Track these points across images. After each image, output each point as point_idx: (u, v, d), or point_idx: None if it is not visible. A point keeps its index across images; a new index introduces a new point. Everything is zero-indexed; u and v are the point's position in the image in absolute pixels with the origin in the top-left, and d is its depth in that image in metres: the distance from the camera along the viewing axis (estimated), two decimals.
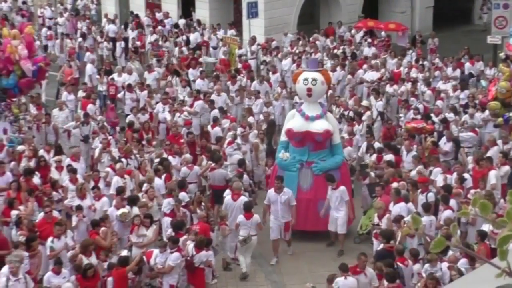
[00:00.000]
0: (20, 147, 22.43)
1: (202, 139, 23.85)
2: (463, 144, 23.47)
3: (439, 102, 26.84)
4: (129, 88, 28.08)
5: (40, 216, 18.23)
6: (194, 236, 17.16)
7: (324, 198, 19.38)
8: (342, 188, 19.10)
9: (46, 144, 23.18)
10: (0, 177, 20.17)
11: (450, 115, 25.60)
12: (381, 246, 16.92)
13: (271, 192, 19.16)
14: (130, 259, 17.03)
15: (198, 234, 17.31)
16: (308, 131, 19.73)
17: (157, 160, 21.53)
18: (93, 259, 16.55)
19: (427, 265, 15.72)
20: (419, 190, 19.23)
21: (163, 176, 20.41)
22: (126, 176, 20.27)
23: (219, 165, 21.07)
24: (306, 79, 19.88)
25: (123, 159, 21.33)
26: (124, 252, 16.99)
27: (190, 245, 17.05)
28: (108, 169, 20.99)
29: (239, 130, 23.83)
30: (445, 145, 22.80)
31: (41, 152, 22.24)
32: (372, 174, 20.93)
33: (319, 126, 19.68)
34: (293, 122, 20.06)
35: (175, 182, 20.19)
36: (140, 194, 19.49)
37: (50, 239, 16.92)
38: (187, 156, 21.87)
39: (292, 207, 18.97)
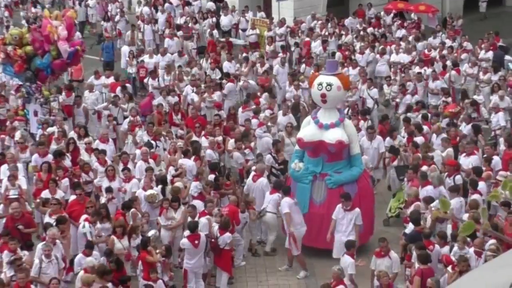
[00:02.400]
0: (50, 129, 22.62)
1: (230, 121, 23.86)
2: (494, 126, 23.34)
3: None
4: (153, 74, 28.09)
5: (72, 197, 18.41)
6: (220, 218, 17.21)
7: None
8: (357, 210, 17.29)
9: (76, 126, 23.34)
10: (41, 157, 20.37)
11: (479, 97, 25.44)
12: (412, 228, 16.89)
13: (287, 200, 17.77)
14: (159, 241, 17.20)
15: (225, 215, 17.41)
16: (321, 141, 18.09)
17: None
18: (125, 242, 16.70)
19: (455, 248, 15.68)
20: (446, 174, 19.14)
21: (192, 158, 20.49)
22: (150, 160, 20.31)
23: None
24: (320, 84, 18.14)
25: (152, 142, 21.44)
26: (152, 232, 17.03)
27: (215, 227, 17.11)
28: (137, 151, 21.10)
29: (267, 112, 23.83)
30: (464, 128, 22.67)
31: (71, 134, 22.41)
32: (403, 153, 20.78)
33: (332, 136, 17.93)
34: (306, 130, 18.58)
35: (205, 165, 20.30)
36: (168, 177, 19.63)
37: (86, 224, 17.04)
38: (216, 138, 21.95)
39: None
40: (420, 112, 23.84)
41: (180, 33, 34.43)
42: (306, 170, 18.39)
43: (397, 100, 25.88)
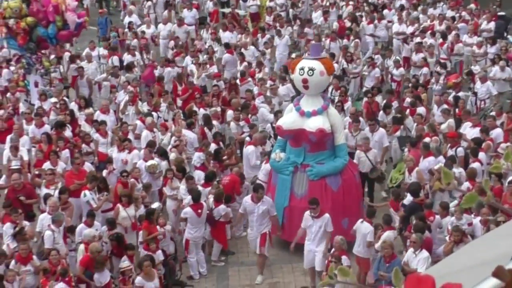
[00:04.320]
0: (52, 100, 22.64)
1: (231, 92, 23.83)
2: (482, 96, 23.54)
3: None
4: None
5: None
6: (215, 190, 17.26)
7: (321, 207, 16.07)
8: (326, 216, 15.66)
9: (78, 97, 23.35)
10: (38, 129, 20.41)
11: (475, 68, 25.49)
12: (411, 199, 16.94)
13: (247, 200, 16.66)
14: (164, 212, 17.31)
15: (224, 186, 17.47)
16: (302, 129, 16.86)
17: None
18: (131, 211, 16.75)
19: (452, 218, 15.77)
20: (449, 145, 19.17)
21: (195, 130, 20.54)
22: (155, 129, 20.39)
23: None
24: (302, 69, 16.87)
25: (153, 113, 21.46)
26: (156, 204, 17.11)
27: (211, 199, 17.17)
28: (137, 121, 21.13)
29: (269, 84, 23.79)
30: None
31: (72, 105, 22.43)
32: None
33: (312, 124, 16.66)
34: (286, 117, 17.42)
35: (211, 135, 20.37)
36: (168, 148, 19.69)
37: (86, 192, 17.06)
38: (215, 109, 21.97)
39: (274, 218, 16.70)
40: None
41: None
42: (287, 161, 17.29)
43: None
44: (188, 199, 16.98)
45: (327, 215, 15.67)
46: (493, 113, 21.26)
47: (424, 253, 14.45)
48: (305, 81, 16.84)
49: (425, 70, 25.65)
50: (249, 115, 21.49)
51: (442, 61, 26.31)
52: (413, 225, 15.37)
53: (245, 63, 26.25)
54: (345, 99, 22.56)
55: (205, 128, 20.79)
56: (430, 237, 15.40)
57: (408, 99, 22.62)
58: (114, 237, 15.94)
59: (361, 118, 20.85)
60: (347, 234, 15.91)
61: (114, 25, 31.70)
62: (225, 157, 19.32)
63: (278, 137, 18.13)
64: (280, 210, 17.07)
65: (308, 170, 17.00)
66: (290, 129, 16.93)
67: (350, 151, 19.09)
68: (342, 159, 17.26)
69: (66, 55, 26.77)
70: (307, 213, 15.75)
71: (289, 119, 17.09)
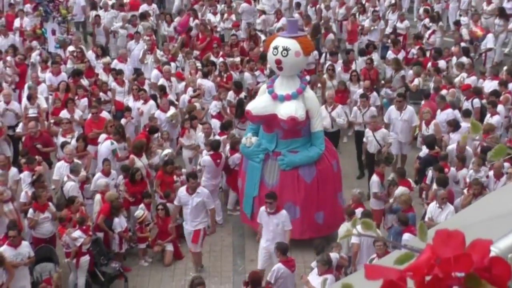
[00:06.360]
0: (68, 48, 22.61)
1: (250, 42, 23.71)
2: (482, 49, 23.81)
3: None
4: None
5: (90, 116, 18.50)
6: (231, 138, 17.23)
7: (293, 199, 15.41)
8: (283, 213, 14.25)
9: (95, 46, 23.30)
10: (55, 76, 20.39)
11: (463, 19, 25.62)
12: (426, 151, 16.88)
13: (182, 191, 15.07)
14: (180, 160, 17.38)
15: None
16: (274, 114, 15.29)
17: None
18: (144, 160, 16.80)
19: (471, 171, 15.69)
20: (464, 97, 19.04)
21: (211, 78, 20.51)
22: (172, 78, 20.36)
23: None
24: (276, 48, 15.21)
25: (171, 63, 21.40)
26: (166, 151, 17.09)
27: (227, 147, 17.12)
28: (154, 71, 21.09)
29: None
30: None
31: (89, 53, 22.41)
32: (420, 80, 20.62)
33: (284, 111, 15.08)
34: (257, 101, 15.90)
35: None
36: (182, 97, 19.69)
37: (110, 142, 16.99)
38: (233, 59, 21.90)
39: (211, 211, 15.32)
40: None
41: None
42: (257, 147, 15.79)
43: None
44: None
45: (284, 212, 14.27)
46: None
47: (450, 207, 14.33)
48: (278, 62, 15.21)
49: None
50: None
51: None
52: (436, 179, 15.21)
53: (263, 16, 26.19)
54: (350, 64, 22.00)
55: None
56: (452, 190, 15.32)
57: (413, 50, 22.63)
58: (134, 171, 15.95)
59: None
60: (321, 229, 15.24)
61: None
62: None
63: None
64: (249, 199, 15.95)
65: (279, 159, 15.52)
66: (260, 115, 15.45)
67: (358, 130, 18.71)
68: (318, 148, 15.65)
69: None
70: (263, 208, 14.37)
71: (260, 104, 15.58)
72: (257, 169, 15.70)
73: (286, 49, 15.06)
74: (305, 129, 15.55)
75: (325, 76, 21.03)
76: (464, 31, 24.52)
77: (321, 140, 15.73)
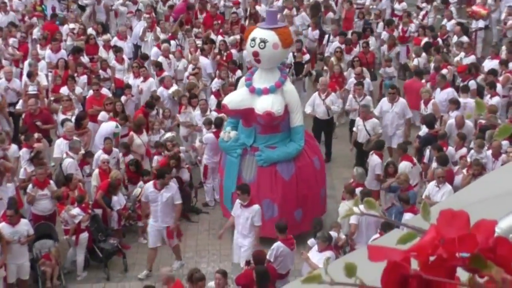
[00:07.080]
0: (71, 25, 22.57)
1: (250, 20, 23.65)
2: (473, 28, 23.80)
3: None
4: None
5: (90, 93, 18.45)
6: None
7: (271, 196, 14.95)
8: (255, 208, 13.76)
9: (95, 23, 23.25)
10: (54, 53, 20.32)
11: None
12: (426, 131, 16.87)
13: (149, 187, 14.39)
14: (177, 138, 17.33)
15: None
16: (250, 109, 14.83)
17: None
18: (144, 138, 16.78)
19: (472, 151, 15.66)
20: (460, 79, 19.02)
21: (209, 56, 20.42)
22: (171, 56, 20.31)
23: None
24: (253, 40, 14.70)
25: (171, 41, 21.34)
26: (168, 134, 17.07)
27: None
28: (154, 48, 21.04)
29: (286, 11, 23.60)
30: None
31: (90, 30, 22.35)
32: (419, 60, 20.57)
33: (260, 105, 14.61)
34: (234, 95, 15.43)
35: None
36: (185, 74, 19.63)
37: (115, 124, 16.93)
38: (234, 37, 21.83)
39: (177, 207, 14.46)
40: None
41: None
42: (235, 141, 15.31)
43: None
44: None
45: (256, 206, 13.81)
46: None
47: (448, 186, 14.30)
48: (255, 54, 14.70)
49: None
50: None
51: None
52: (436, 158, 15.22)
53: None
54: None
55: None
56: (451, 169, 15.31)
57: (410, 28, 22.91)
58: (133, 162, 16.00)
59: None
60: (298, 227, 14.75)
61: None
62: None
63: None
64: (228, 194, 15.49)
65: (257, 155, 15.01)
66: (237, 109, 14.98)
67: (353, 118, 18.29)
68: (297, 144, 15.10)
69: None
70: (238, 200, 14.00)
71: (237, 97, 15.10)
72: (235, 164, 15.24)
73: (263, 41, 14.54)
74: (284, 124, 15.09)
75: (332, 59, 20.74)
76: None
77: (300, 136, 15.19)
